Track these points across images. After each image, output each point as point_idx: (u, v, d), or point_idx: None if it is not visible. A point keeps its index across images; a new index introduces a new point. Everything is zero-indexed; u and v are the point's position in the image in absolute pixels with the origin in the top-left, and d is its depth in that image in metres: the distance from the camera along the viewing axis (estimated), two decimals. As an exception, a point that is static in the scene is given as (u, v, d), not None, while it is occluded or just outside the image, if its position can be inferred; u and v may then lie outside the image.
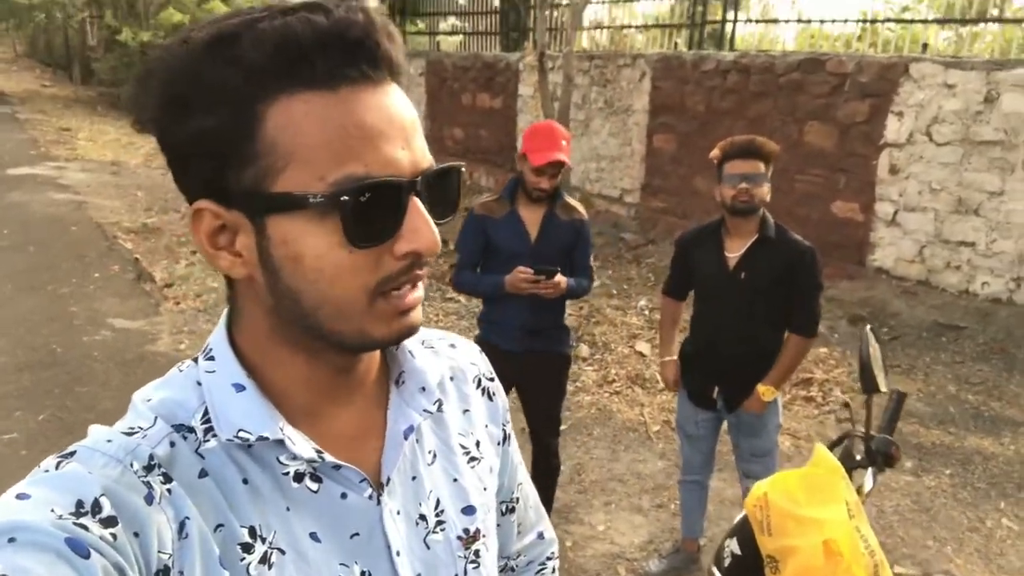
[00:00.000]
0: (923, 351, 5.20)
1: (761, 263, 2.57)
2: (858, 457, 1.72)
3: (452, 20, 12.87)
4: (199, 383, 0.66)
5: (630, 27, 8.87)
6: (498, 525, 0.87)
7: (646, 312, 5.86)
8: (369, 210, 0.58)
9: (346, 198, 0.57)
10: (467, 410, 0.84)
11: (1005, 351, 5.01)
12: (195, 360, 0.69)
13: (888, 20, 7.35)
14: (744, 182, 2.49)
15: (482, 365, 0.89)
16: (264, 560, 0.63)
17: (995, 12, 6.59)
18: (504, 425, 0.90)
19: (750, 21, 7.79)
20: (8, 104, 18.15)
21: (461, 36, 12.36)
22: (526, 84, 9.69)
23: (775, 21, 7.43)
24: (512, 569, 1.01)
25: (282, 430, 0.64)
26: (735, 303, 2.61)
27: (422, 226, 0.60)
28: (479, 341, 2.92)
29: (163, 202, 8.88)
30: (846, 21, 7.27)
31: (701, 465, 2.88)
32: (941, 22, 7.04)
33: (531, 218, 2.79)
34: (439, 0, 12.53)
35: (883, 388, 1.72)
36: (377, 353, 0.74)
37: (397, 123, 0.60)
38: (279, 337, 0.66)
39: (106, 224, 7.79)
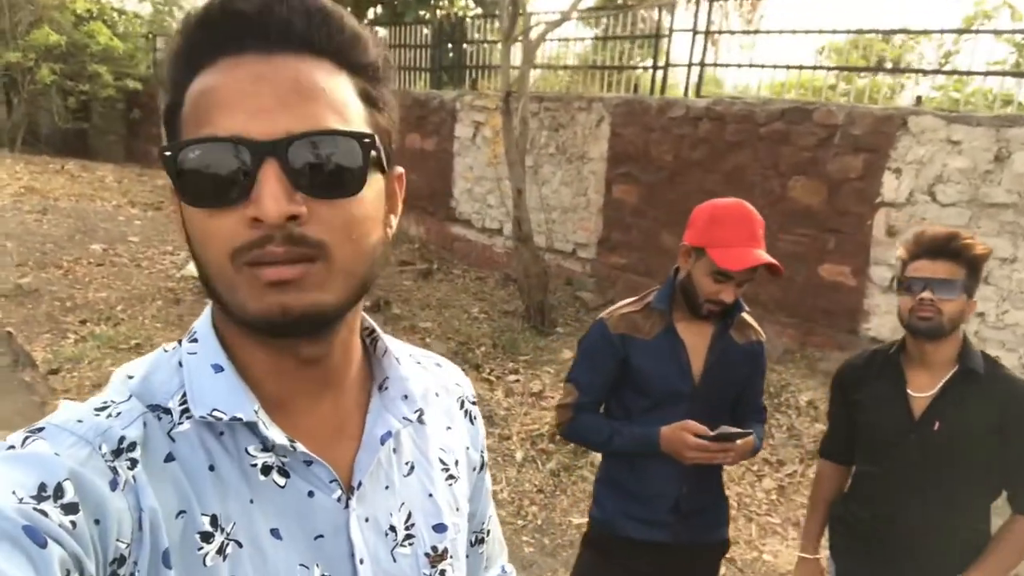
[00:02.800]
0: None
1: (965, 409, 1.81)
2: None
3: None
4: (181, 364, 0.67)
5: (588, 67, 8.21)
6: (467, 556, 0.86)
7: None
8: (203, 170, 0.59)
9: (168, 154, 0.60)
10: (450, 427, 0.84)
11: None
12: (179, 342, 0.69)
13: (871, 69, 7.00)
14: (928, 289, 1.77)
15: (467, 388, 0.90)
16: (220, 551, 0.62)
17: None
18: (482, 452, 0.90)
19: (719, 65, 7.28)
20: None
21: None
22: (464, 125, 8.88)
23: (749, 66, 6.93)
24: None
25: (256, 413, 0.64)
26: (921, 464, 1.84)
27: (264, 190, 0.58)
28: (594, 527, 1.99)
29: (40, 255, 7.41)
30: (829, 69, 6.86)
31: None
32: (936, 72, 6.76)
33: (695, 341, 1.92)
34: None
35: None
36: (354, 355, 0.74)
37: (262, 87, 0.59)
38: (230, 325, 0.66)
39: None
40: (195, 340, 0.68)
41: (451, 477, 0.81)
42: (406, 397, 0.75)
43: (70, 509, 0.53)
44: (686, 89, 7.26)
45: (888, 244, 5.60)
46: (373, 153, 0.62)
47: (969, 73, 6.24)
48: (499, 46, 8.46)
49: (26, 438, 0.57)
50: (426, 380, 0.81)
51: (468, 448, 0.85)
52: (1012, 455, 1.80)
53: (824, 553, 2.06)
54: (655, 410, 1.87)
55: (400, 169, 0.71)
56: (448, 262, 8.83)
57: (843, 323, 5.91)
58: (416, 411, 0.75)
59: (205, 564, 0.60)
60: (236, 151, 0.57)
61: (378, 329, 0.78)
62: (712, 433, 1.76)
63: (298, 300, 0.60)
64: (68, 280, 6.53)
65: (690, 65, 7.14)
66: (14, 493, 0.51)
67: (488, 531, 0.94)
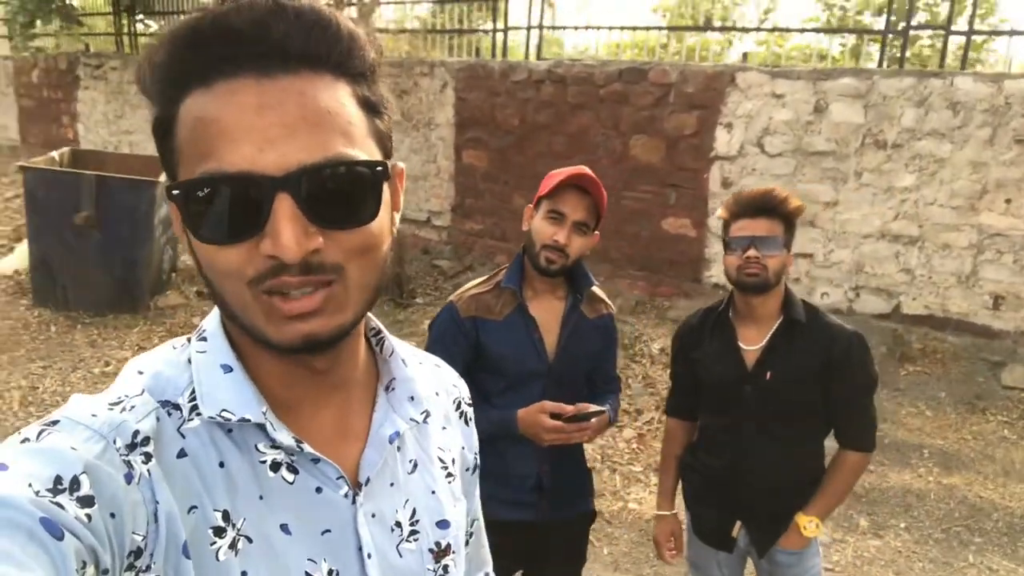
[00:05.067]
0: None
1: (792, 357, 1.92)
2: None
3: (195, 21, 11.14)
4: (190, 361, 0.67)
5: (428, 31, 8.03)
6: None
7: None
8: (215, 207, 0.57)
9: (176, 192, 0.58)
10: (445, 428, 0.85)
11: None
12: (188, 340, 0.69)
13: (692, 28, 7.27)
14: (753, 247, 1.86)
15: (463, 390, 0.92)
16: (232, 546, 0.62)
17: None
18: (476, 454, 0.91)
19: (556, 28, 7.33)
20: None
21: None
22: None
23: (585, 28, 7.01)
24: None
25: (264, 414, 0.64)
26: (759, 412, 1.95)
27: (281, 228, 0.57)
28: None
29: None
30: (660, 28, 7.06)
31: None
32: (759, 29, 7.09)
33: (546, 318, 1.89)
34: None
35: None
36: (360, 356, 0.74)
37: (269, 118, 0.57)
38: (241, 332, 0.65)
39: None
40: (204, 339, 0.68)
41: (450, 475, 0.82)
42: (412, 398, 0.75)
43: (86, 502, 0.53)
44: (527, 52, 7.28)
45: (724, 195, 5.89)
46: (384, 176, 0.62)
47: (787, 30, 6.61)
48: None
49: (41, 431, 0.57)
50: (430, 381, 0.83)
51: (464, 448, 0.87)
52: (836, 395, 1.94)
53: (680, 506, 2.15)
54: (511, 391, 1.85)
55: (401, 165, 0.70)
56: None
57: (688, 272, 6.20)
58: (423, 412, 0.76)
59: (218, 559, 0.61)
60: (247, 188, 0.56)
61: (384, 330, 0.78)
62: (567, 414, 1.76)
63: (323, 327, 0.60)
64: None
65: (529, 28, 7.16)
66: (30, 486, 0.51)
67: (473, 534, 0.95)
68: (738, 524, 2.01)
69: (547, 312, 1.90)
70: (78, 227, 5.44)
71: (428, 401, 0.78)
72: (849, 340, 1.91)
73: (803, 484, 1.96)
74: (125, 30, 11.24)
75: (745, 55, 6.30)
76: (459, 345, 1.85)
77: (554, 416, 1.74)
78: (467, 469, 0.88)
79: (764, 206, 1.87)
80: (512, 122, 6.89)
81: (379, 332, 0.78)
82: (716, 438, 2.04)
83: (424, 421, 0.77)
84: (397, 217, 0.70)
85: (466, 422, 0.89)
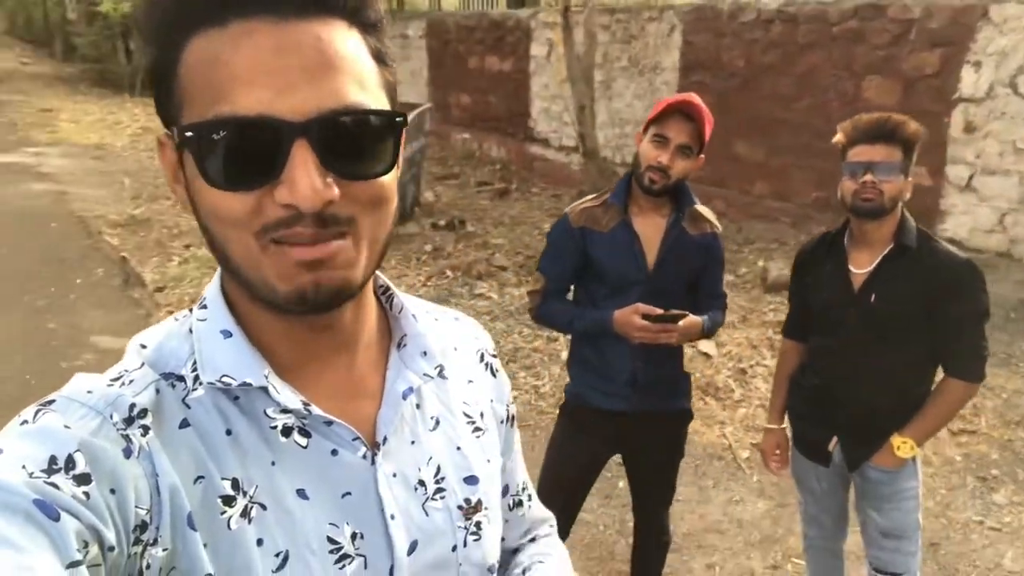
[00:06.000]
0: (1016, 336, 4.58)
1: (897, 282, 1.93)
2: None
3: (452, -24, 12.01)
4: (191, 331, 0.66)
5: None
6: (505, 520, 0.86)
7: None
8: (230, 151, 0.55)
9: (190, 134, 0.56)
10: (471, 381, 0.82)
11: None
12: (190, 310, 0.68)
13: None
14: (869, 172, 1.87)
15: (485, 341, 0.87)
16: (245, 514, 0.61)
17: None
18: (508, 405, 0.87)
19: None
20: (-15, 84, 17.27)
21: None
22: (539, 43, 8.92)
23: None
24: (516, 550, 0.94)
25: (266, 377, 0.63)
26: (862, 333, 1.98)
27: (299, 176, 0.55)
28: (568, 399, 2.25)
29: (152, 188, 8.17)
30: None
31: (832, 527, 2.25)
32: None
33: (649, 232, 2.07)
34: (437, -45, 11.63)
35: None
36: (370, 314, 0.72)
37: (287, 61, 0.55)
38: (242, 293, 0.64)
39: (89, 217, 7.09)
40: (204, 307, 0.67)
41: (478, 429, 0.80)
42: (425, 354, 0.74)
43: (82, 480, 0.52)
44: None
45: (966, 142, 5.38)
46: (401, 128, 0.61)
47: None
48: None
49: (37, 411, 0.56)
50: (444, 336, 0.80)
51: (492, 401, 0.84)
52: (940, 322, 1.91)
53: (787, 422, 2.25)
54: (613, 296, 2.06)
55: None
56: (528, 181, 9.02)
57: (919, 225, 5.76)
58: (436, 367, 0.74)
59: (230, 527, 0.60)
60: (264, 132, 0.54)
61: (392, 287, 0.77)
62: (653, 315, 1.96)
63: (330, 278, 0.59)
64: (176, 210, 7.20)
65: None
66: (24, 467, 0.51)
67: (529, 496, 0.93)
68: (834, 439, 2.08)
69: (650, 227, 2.08)
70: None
71: (443, 355, 0.76)
72: (959, 268, 1.88)
73: (902, 408, 1.98)
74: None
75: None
76: (568, 250, 2.10)
77: (645, 317, 1.95)
78: (500, 422, 0.85)
79: (882, 131, 1.87)
80: (737, 64, 6.75)
81: (388, 289, 0.77)
82: (821, 358, 2.11)
83: (441, 375, 0.76)
84: (397, 173, 0.67)
85: (492, 373, 0.86)
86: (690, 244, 2.08)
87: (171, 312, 5.04)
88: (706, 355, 4.41)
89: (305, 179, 0.54)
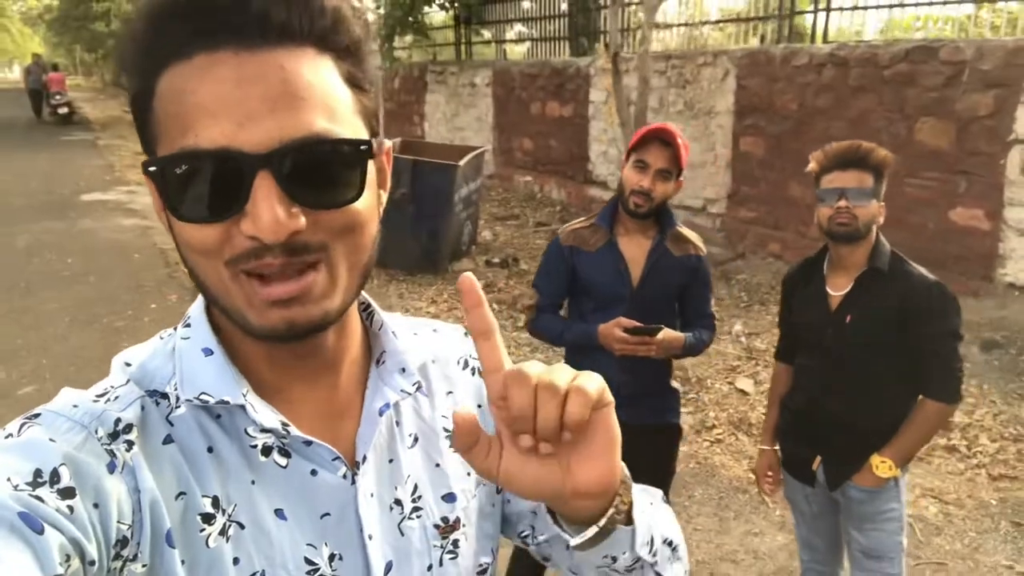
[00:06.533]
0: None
1: (871, 304, 2.01)
2: None
3: (519, 27, 12.43)
4: (174, 350, 0.66)
5: (708, 22, 8.21)
6: (533, 512, 0.81)
7: (742, 339, 5.22)
8: (193, 184, 0.56)
9: (153, 168, 0.57)
10: (451, 392, 0.81)
11: None
12: (175, 329, 0.69)
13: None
14: (843, 199, 1.95)
15: (467, 346, 0.85)
16: (223, 532, 0.61)
17: None
18: None
19: (844, 9, 7.04)
20: (91, 131, 18.67)
21: (528, 43, 11.91)
22: (597, 89, 9.14)
23: (876, 7, 6.66)
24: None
25: (245, 396, 0.63)
26: (839, 353, 2.06)
27: (262, 208, 0.54)
28: None
29: (228, 225, 8.70)
30: (960, 1, 6.44)
31: (825, 550, 2.27)
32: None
33: (634, 252, 2.24)
34: (505, 8, 12.10)
35: None
36: (351, 331, 0.71)
37: (249, 92, 0.55)
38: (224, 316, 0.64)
39: (169, 250, 7.61)
40: (188, 326, 0.67)
41: None
42: (403, 370, 0.73)
43: (67, 494, 0.52)
44: (812, 35, 7.09)
45: (1023, 184, 5.27)
46: (368, 155, 0.60)
47: None
48: (637, 6, 8.64)
49: (22, 425, 0.57)
50: (422, 351, 0.78)
51: (480, 405, 0.81)
52: (914, 343, 1.96)
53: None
54: (600, 311, 2.20)
55: (387, 143, 0.68)
56: (586, 223, 9.16)
57: (977, 269, 5.63)
58: (414, 383, 0.73)
59: (208, 545, 0.60)
60: (226, 165, 0.54)
61: (373, 303, 0.77)
62: (632, 328, 2.07)
63: (305, 314, 0.59)
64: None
65: (816, 11, 6.96)
66: (9, 480, 0.51)
67: None
68: (818, 459, 2.12)
69: (635, 247, 2.22)
70: (395, 201, 6.68)
71: (421, 371, 0.76)
72: (928, 290, 1.94)
73: (881, 427, 2.02)
74: (463, 40, 12.94)
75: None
76: (559, 269, 2.27)
77: (625, 331, 2.07)
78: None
79: (853, 158, 1.97)
80: (791, 107, 6.79)
81: (368, 306, 0.76)
82: (804, 377, 2.18)
83: (419, 392, 0.74)
84: (384, 196, 0.68)
85: (479, 375, 0.82)
86: (673, 264, 2.20)
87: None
88: (743, 392, 4.42)
89: (268, 211, 0.54)
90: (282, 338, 0.60)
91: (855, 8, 7.04)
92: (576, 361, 2.31)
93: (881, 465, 1.98)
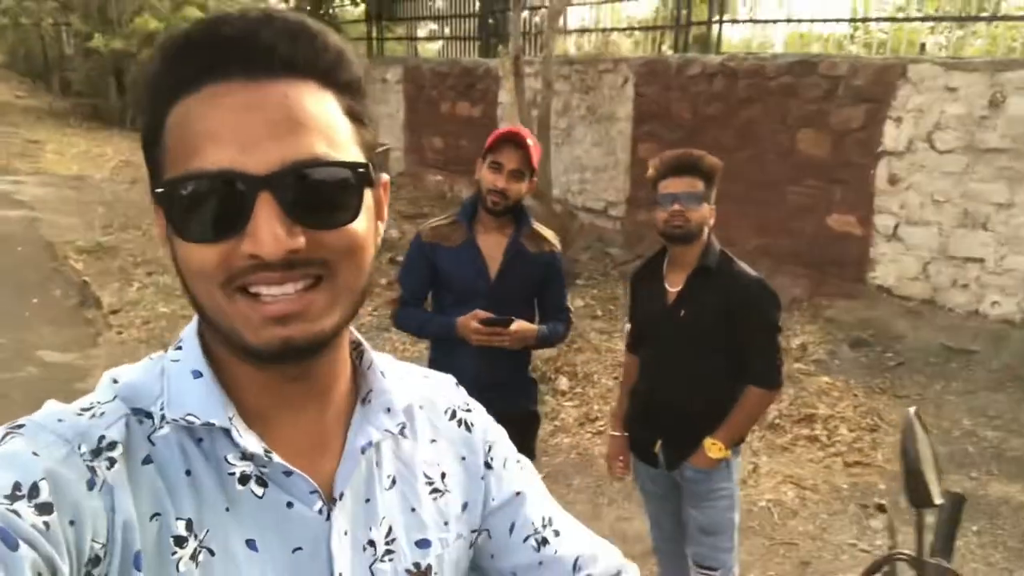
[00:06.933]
0: (932, 378, 4.78)
1: (701, 299, 2.20)
2: (906, 591, 1.28)
3: (431, 26, 12.45)
4: (163, 371, 0.67)
5: (611, 30, 8.45)
6: (540, 563, 0.82)
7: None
8: (198, 204, 0.58)
9: (161, 190, 0.59)
10: (435, 440, 0.81)
11: (1020, 378, 4.59)
12: (166, 351, 0.69)
13: (881, 19, 6.94)
14: (677, 203, 2.12)
15: (457, 397, 0.86)
16: (193, 557, 0.61)
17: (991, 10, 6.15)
18: (489, 453, 0.84)
19: (736, 21, 7.39)
20: (-23, 117, 17.60)
21: (441, 42, 11.95)
22: (506, 91, 9.26)
23: (763, 21, 7.02)
24: None
25: (231, 419, 0.63)
26: (674, 345, 2.25)
27: (261, 227, 0.57)
28: None
29: (124, 218, 8.41)
30: (838, 20, 6.87)
31: (672, 529, 2.43)
32: (937, 19, 6.62)
33: (492, 249, 2.36)
34: (417, 5, 12.10)
35: (937, 500, 1.29)
36: (341, 365, 0.72)
37: (252, 118, 0.58)
38: (218, 339, 0.65)
39: (58, 243, 7.32)
40: (180, 348, 0.68)
41: (436, 491, 0.78)
42: (389, 410, 0.73)
43: (44, 509, 0.53)
44: (707, 45, 7.41)
45: (891, 193, 5.66)
46: (366, 179, 0.62)
47: (965, 19, 6.03)
48: (542, 10, 8.80)
49: (6, 435, 0.57)
50: (409, 393, 0.78)
51: (464, 458, 0.82)
52: (739, 335, 2.15)
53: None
54: (459, 304, 2.31)
55: (385, 177, 0.70)
56: (493, 223, 9.27)
57: (851, 273, 6.01)
58: (399, 424, 0.74)
59: (178, 569, 0.60)
60: (228, 186, 0.57)
61: (364, 343, 0.77)
62: (484, 319, 2.20)
63: (302, 332, 0.60)
64: (144, 239, 7.43)
65: (710, 22, 7.27)
66: None
67: (556, 532, 0.84)
68: (659, 442, 2.28)
69: (493, 244, 2.35)
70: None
71: (406, 413, 0.76)
72: (749, 286, 2.13)
73: (712, 413, 2.19)
74: (375, 35, 12.86)
75: (923, 46, 5.95)
76: (420, 264, 2.38)
77: (481, 323, 2.19)
78: (478, 477, 0.82)
79: (684, 165, 2.14)
80: (684, 116, 7.07)
81: (359, 345, 0.77)
82: (646, 367, 2.36)
83: (401, 433, 0.75)
84: (382, 227, 0.69)
85: (467, 428, 0.84)
86: (529, 260, 2.33)
87: (120, 332, 5.26)
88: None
89: (268, 231, 0.56)
90: (278, 357, 0.60)
91: (748, 21, 7.38)
92: (438, 353, 2.41)
93: (712, 447, 2.15)
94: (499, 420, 2.31)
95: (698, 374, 2.21)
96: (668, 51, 7.83)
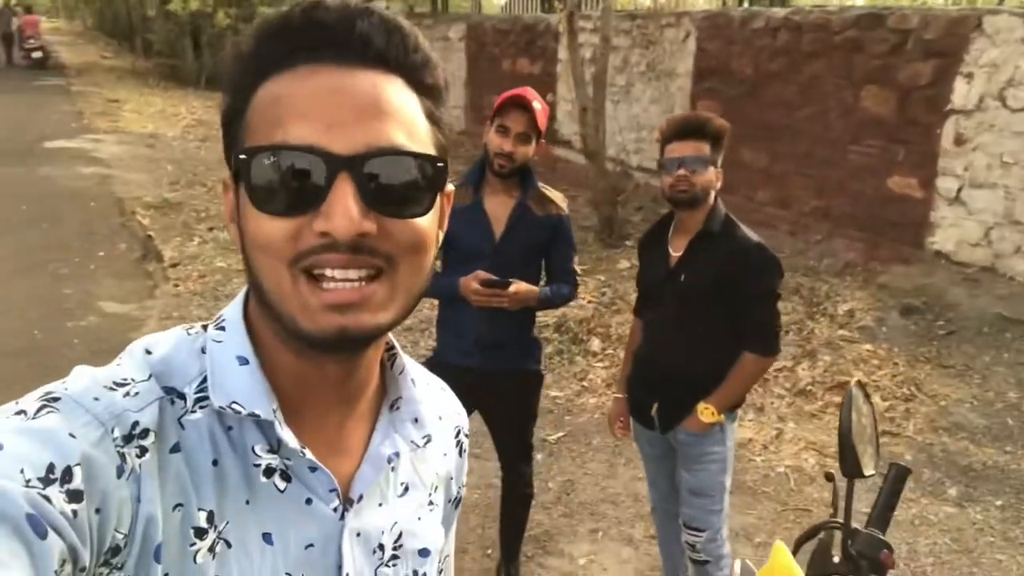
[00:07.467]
0: (982, 349, 4.56)
1: (701, 263, 2.15)
2: (835, 559, 1.27)
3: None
4: (203, 351, 0.65)
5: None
6: None
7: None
8: (276, 177, 0.58)
9: (243, 157, 0.59)
10: (446, 454, 0.83)
11: (1082, 352, 4.35)
12: (204, 327, 0.68)
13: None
14: (682, 167, 2.08)
15: (463, 419, 0.89)
16: (211, 549, 0.61)
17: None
18: (461, 488, 0.88)
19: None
20: (64, 76, 18.42)
21: (504, -1, 11.82)
22: (565, 47, 9.12)
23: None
24: None
25: (275, 412, 0.63)
26: (674, 308, 2.21)
27: (337, 206, 0.57)
28: (432, 356, 2.55)
29: (191, 176, 8.73)
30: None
31: (668, 490, 2.43)
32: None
33: (498, 210, 2.36)
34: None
35: (868, 471, 1.26)
36: (373, 370, 0.72)
37: (341, 100, 0.59)
38: (268, 324, 0.65)
39: (127, 199, 7.66)
40: (222, 328, 0.66)
41: (432, 503, 0.80)
42: (416, 420, 0.74)
43: (75, 497, 0.52)
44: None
45: (956, 154, 5.37)
46: (442, 176, 0.63)
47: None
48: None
49: (40, 408, 0.55)
50: (435, 405, 0.81)
51: (451, 479, 0.84)
52: (735, 300, 2.10)
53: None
54: (463, 264, 2.32)
55: (450, 187, 0.70)
56: (550, 182, 9.17)
57: (909, 237, 5.76)
58: (425, 436, 0.75)
59: (195, 561, 0.60)
60: (311, 162, 0.57)
61: (397, 346, 0.77)
62: (484, 280, 2.21)
63: (358, 323, 0.60)
64: (208, 196, 7.69)
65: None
66: (22, 472, 0.50)
67: (443, 571, 0.89)
68: (655, 405, 2.27)
69: (500, 206, 2.35)
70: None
71: (431, 425, 0.76)
72: (749, 250, 2.06)
73: (708, 377, 2.16)
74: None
75: (1003, -5, 5.55)
76: None
77: (481, 284, 2.21)
78: (449, 500, 0.85)
79: (690, 128, 2.08)
80: (746, 71, 6.83)
81: (392, 348, 0.77)
82: (647, 330, 2.34)
83: (424, 445, 0.76)
84: (441, 236, 0.69)
85: (460, 452, 0.86)
86: (535, 222, 2.32)
87: (177, 285, 5.49)
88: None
89: (342, 209, 0.56)
90: (331, 346, 0.60)
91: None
92: (446, 311, 2.44)
93: (705, 411, 2.13)
94: (501, 379, 2.35)
95: (696, 338, 2.19)
96: (732, 4, 7.53)
